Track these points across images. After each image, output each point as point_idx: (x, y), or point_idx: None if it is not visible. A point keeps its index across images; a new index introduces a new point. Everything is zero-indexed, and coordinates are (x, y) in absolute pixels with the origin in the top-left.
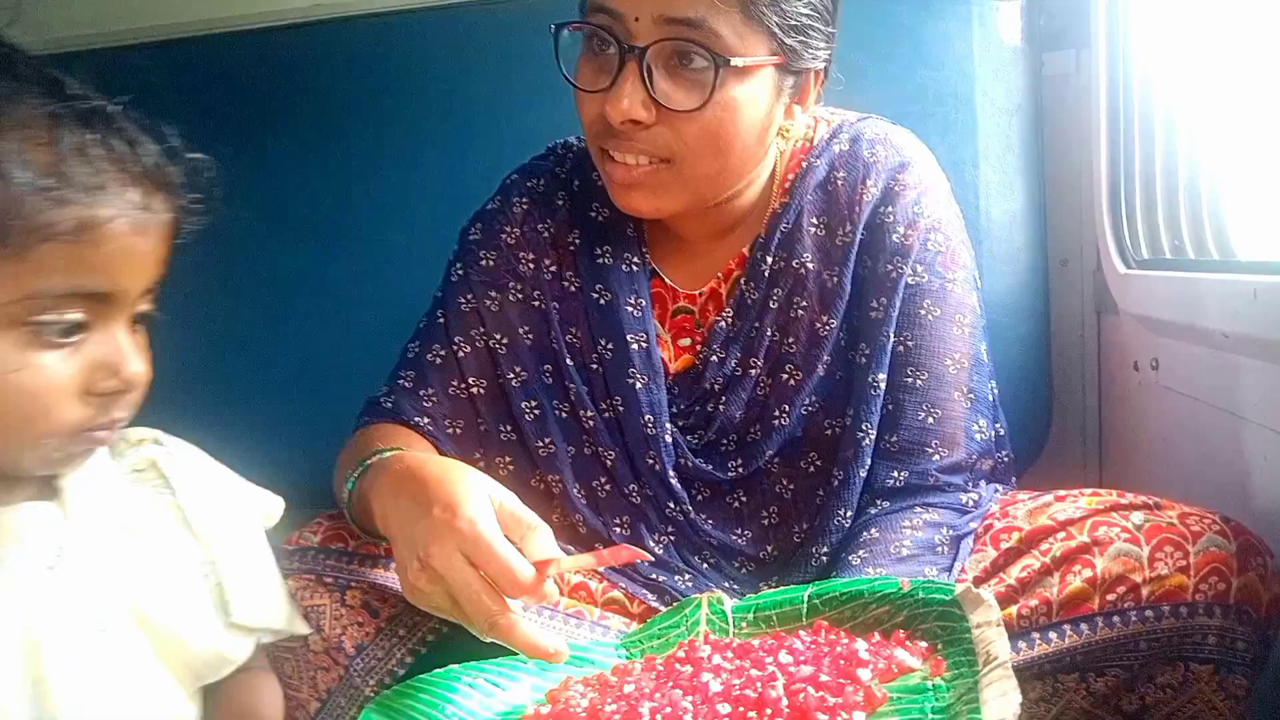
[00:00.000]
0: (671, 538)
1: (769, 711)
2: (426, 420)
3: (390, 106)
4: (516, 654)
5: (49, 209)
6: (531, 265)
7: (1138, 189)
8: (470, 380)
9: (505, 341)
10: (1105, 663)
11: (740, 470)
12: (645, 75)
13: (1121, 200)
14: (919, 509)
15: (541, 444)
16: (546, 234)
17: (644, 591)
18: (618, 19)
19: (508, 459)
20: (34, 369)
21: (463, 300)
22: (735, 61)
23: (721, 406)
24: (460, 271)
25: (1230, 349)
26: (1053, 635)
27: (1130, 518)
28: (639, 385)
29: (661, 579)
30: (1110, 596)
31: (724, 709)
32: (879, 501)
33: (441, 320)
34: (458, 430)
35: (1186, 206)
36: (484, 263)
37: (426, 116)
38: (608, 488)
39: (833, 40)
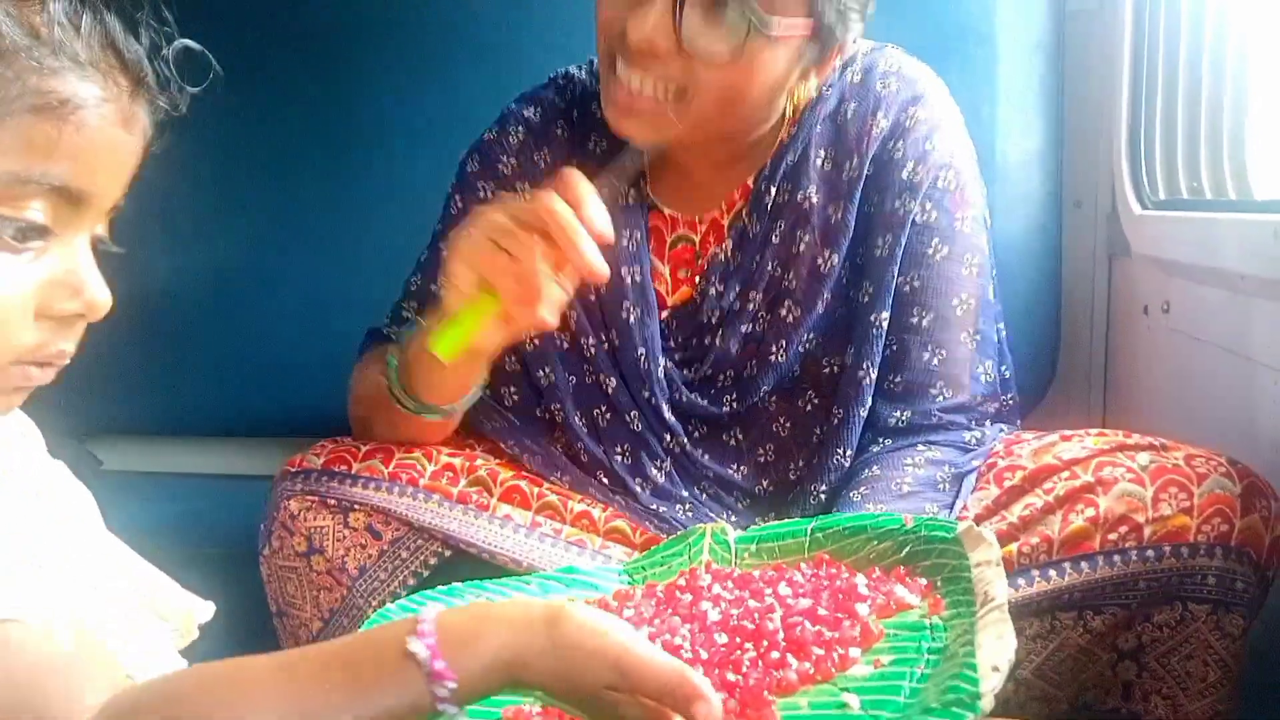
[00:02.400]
0: (670, 467)
1: (765, 643)
2: None
3: (393, 33)
4: (519, 577)
5: (31, 75)
6: (530, 197)
7: (1158, 128)
8: None
9: None
10: (1103, 601)
11: (736, 406)
12: (678, 3)
13: (1141, 140)
14: (921, 446)
15: (542, 374)
16: (543, 164)
17: (646, 521)
18: None
19: (512, 389)
20: None
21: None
22: (772, 30)
23: (718, 340)
24: (459, 203)
25: (1246, 291)
26: (1052, 573)
27: (1136, 458)
28: (633, 319)
29: (661, 509)
30: (1112, 536)
31: (721, 639)
32: (880, 440)
33: (446, 252)
34: None
35: (1207, 146)
36: (482, 194)
37: (429, 44)
38: (608, 416)
39: (865, 18)
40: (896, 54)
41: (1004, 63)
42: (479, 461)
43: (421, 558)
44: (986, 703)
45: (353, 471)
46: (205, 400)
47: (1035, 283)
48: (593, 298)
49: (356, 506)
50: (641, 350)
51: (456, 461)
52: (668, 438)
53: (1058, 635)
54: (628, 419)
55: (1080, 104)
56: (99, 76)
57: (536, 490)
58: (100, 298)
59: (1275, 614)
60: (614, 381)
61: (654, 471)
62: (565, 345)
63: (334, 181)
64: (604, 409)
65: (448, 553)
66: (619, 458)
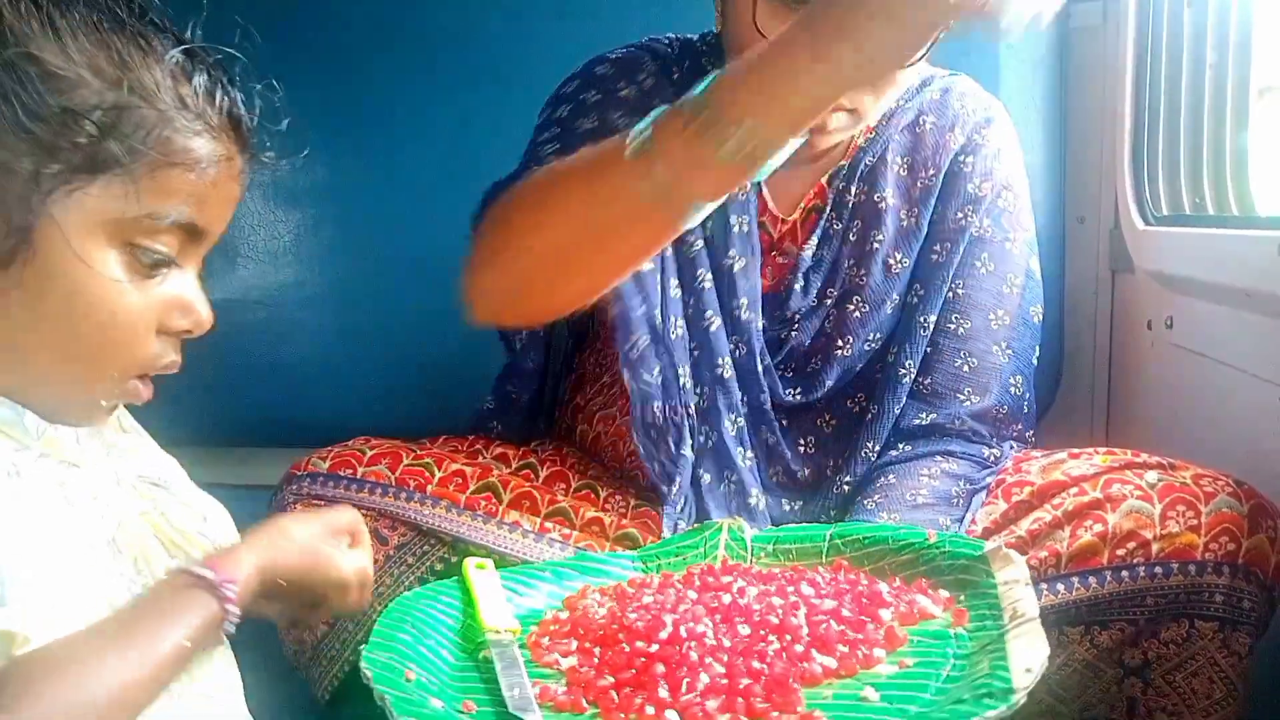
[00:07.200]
0: (741, 423)
1: (789, 637)
2: None
3: (401, 45)
4: (534, 565)
5: (183, 136)
6: None
7: (1161, 144)
8: None
9: None
10: (1111, 616)
11: (797, 397)
12: None
13: (1144, 155)
14: (939, 458)
15: (675, 283)
16: (660, 103)
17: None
18: None
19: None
20: (127, 293)
21: (613, 114)
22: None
23: (794, 332)
24: (598, 96)
25: (1250, 306)
26: (1060, 587)
27: (1144, 476)
28: (736, 268)
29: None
30: (1120, 552)
31: (744, 630)
32: (901, 444)
33: (590, 127)
34: None
35: (1210, 162)
36: (623, 93)
37: (437, 57)
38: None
39: None
40: (970, 81)
41: (1007, 78)
42: (490, 469)
43: (428, 563)
44: (1019, 698)
45: (358, 475)
46: (209, 410)
47: None
48: (698, 241)
49: (363, 510)
50: (744, 299)
51: (467, 469)
52: (740, 395)
53: (1064, 650)
54: (717, 363)
55: (1083, 119)
56: (224, 139)
57: (546, 497)
58: (206, 316)
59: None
60: (719, 321)
61: (727, 424)
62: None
63: (339, 191)
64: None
65: (454, 557)
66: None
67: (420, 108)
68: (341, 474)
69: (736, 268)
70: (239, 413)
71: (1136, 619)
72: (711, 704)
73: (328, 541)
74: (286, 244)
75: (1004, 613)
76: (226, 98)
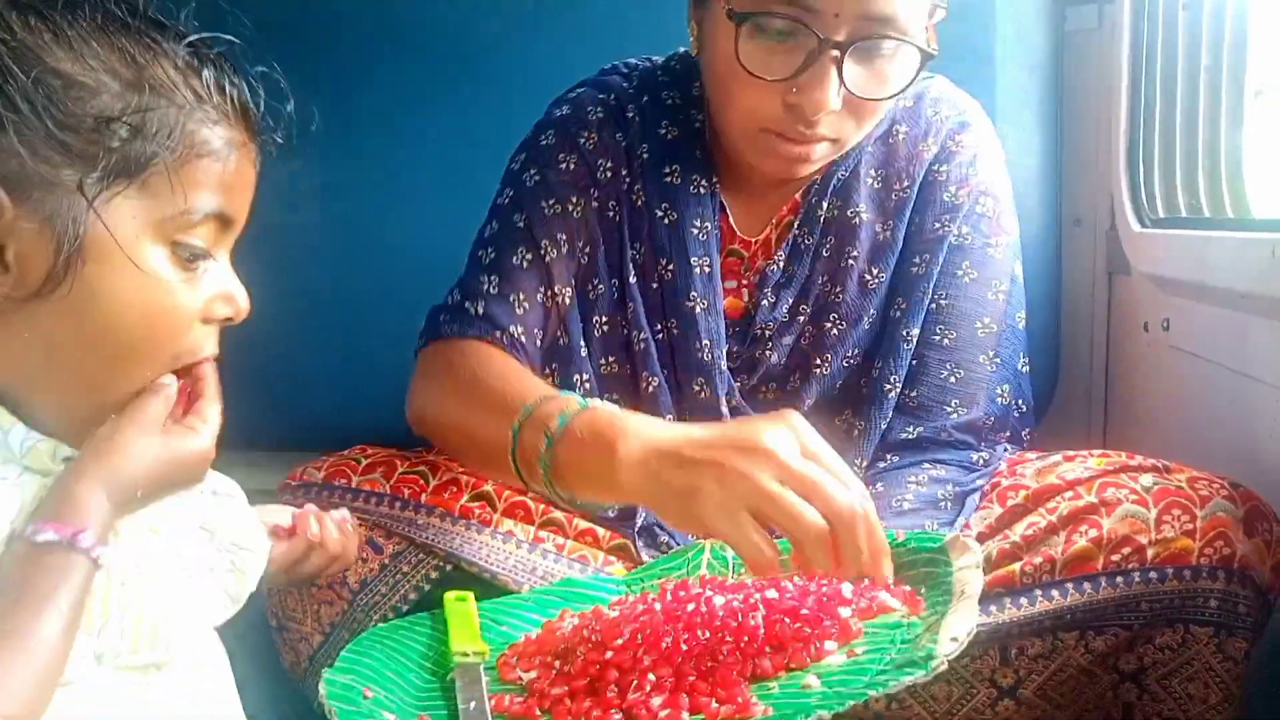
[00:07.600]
0: None
1: (746, 639)
2: (520, 330)
3: (401, 56)
4: (517, 595)
5: (204, 128)
6: (609, 173)
7: (1157, 147)
8: (557, 287)
9: (588, 250)
10: (1106, 622)
11: None
12: (840, 66)
13: (1140, 158)
14: (926, 465)
15: (604, 361)
16: (622, 143)
17: (643, 546)
18: (812, 12)
19: (584, 376)
20: (177, 289)
21: (545, 204)
22: (933, 48)
23: (768, 352)
24: (537, 176)
25: (1246, 309)
26: (1055, 593)
27: (1139, 480)
28: (698, 309)
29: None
30: (1115, 557)
31: (704, 635)
32: (889, 455)
33: (523, 224)
34: (541, 342)
35: (1205, 164)
36: (564, 166)
37: (436, 64)
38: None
39: None
40: (945, 83)
41: (1003, 82)
42: (485, 476)
43: (423, 571)
44: (938, 665)
45: (353, 485)
46: None
47: (1035, 301)
48: (654, 286)
49: (358, 520)
50: (705, 341)
51: (462, 477)
52: None
53: (1059, 655)
54: (664, 419)
55: (1079, 122)
56: (239, 125)
57: (540, 506)
58: (245, 303)
59: (1277, 637)
60: (657, 380)
61: None
62: (623, 332)
63: (340, 196)
64: (640, 406)
65: (449, 567)
66: None
67: (421, 110)
68: (336, 483)
69: (698, 309)
70: (240, 418)
71: (1131, 624)
72: (656, 701)
73: (172, 430)
74: (286, 249)
75: (954, 597)
76: (234, 87)
